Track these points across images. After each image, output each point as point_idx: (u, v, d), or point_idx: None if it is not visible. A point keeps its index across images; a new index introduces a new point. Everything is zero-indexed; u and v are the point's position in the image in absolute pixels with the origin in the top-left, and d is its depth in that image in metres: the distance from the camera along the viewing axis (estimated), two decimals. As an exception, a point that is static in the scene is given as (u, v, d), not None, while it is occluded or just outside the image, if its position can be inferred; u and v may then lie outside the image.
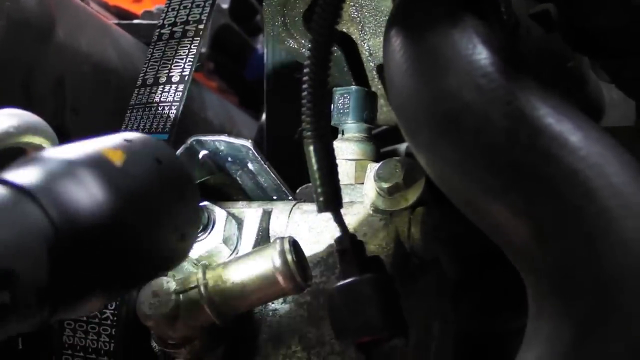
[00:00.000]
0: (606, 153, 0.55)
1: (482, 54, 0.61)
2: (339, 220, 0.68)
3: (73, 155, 0.51)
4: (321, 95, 0.66)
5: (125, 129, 0.90)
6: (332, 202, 0.67)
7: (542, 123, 0.56)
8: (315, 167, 0.67)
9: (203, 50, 1.40)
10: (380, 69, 1.01)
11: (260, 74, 1.58)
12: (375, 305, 0.64)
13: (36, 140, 0.72)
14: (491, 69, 0.60)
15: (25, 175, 0.48)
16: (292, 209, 0.82)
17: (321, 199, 0.67)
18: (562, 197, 0.53)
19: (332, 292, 0.66)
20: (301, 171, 1.02)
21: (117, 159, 0.52)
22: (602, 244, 0.51)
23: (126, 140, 0.55)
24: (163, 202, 0.55)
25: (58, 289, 0.47)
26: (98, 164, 0.51)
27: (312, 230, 0.80)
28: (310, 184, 0.90)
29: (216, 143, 0.81)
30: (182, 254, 0.60)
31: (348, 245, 0.67)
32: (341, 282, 0.66)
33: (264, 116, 1.16)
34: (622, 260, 0.50)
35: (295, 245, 0.71)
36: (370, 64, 1.01)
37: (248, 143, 0.80)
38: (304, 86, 0.66)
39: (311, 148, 0.66)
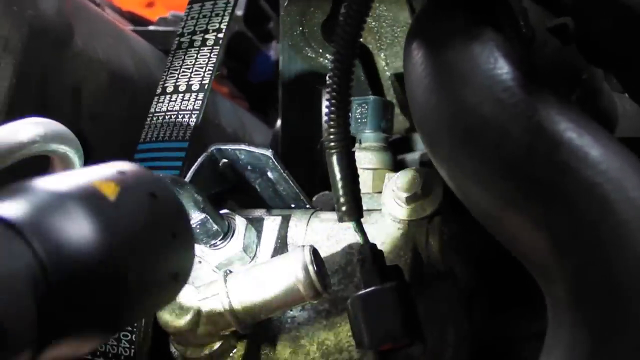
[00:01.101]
0: (624, 167, 0.56)
1: (503, 69, 0.62)
2: (360, 229, 0.69)
3: (64, 187, 0.47)
4: (344, 106, 0.67)
5: (145, 137, 0.91)
6: (354, 211, 0.68)
7: (562, 137, 0.57)
8: (338, 176, 0.68)
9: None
10: (397, 77, 1.02)
11: (265, 77, 1.60)
12: (396, 314, 0.65)
13: (61, 148, 0.74)
14: (512, 84, 0.61)
15: (11, 207, 0.44)
16: (310, 217, 0.84)
17: (343, 208, 0.68)
18: (580, 211, 0.54)
19: (353, 300, 0.67)
20: (313, 179, 1.04)
21: (111, 193, 0.48)
22: (618, 256, 0.52)
23: (120, 172, 0.51)
24: (157, 240, 0.51)
25: (45, 332, 0.43)
26: (90, 197, 0.47)
27: (331, 238, 0.81)
28: (327, 192, 0.92)
29: (236, 152, 0.82)
30: (173, 294, 0.56)
31: (369, 254, 0.69)
32: (362, 291, 0.67)
33: (278, 123, 1.16)
34: (637, 272, 0.51)
35: (315, 254, 0.72)
36: (387, 73, 1.02)
37: (268, 152, 0.81)
38: (327, 97, 0.67)
39: (334, 158, 0.68)
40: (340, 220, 0.69)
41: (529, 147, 0.57)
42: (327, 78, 0.67)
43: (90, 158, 0.99)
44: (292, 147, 1.10)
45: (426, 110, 0.65)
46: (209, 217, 0.75)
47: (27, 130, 0.70)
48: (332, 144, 0.68)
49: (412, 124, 1.01)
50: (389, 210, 0.79)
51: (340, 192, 0.68)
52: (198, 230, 0.76)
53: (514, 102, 0.59)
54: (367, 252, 0.69)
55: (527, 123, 0.58)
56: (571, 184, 0.55)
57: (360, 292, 0.67)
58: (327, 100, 0.67)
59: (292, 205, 0.87)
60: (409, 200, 0.78)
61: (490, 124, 0.59)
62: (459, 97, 0.62)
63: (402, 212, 0.79)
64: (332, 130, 0.67)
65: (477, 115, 0.60)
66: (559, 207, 0.55)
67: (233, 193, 0.88)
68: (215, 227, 0.77)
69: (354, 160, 0.69)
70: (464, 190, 0.63)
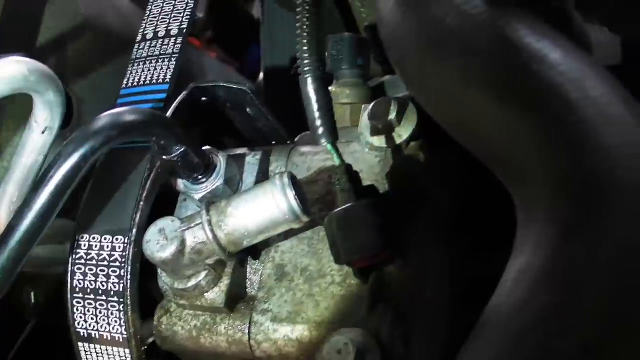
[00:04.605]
0: (584, 68, 0.58)
1: None
2: (336, 150, 0.71)
3: None
4: (315, 32, 0.69)
5: (127, 83, 0.93)
6: (329, 133, 0.70)
7: (522, 43, 0.59)
8: (312, 99, 0.70)
9: (200, 15, 1.42)
10: (372, 28, 1.04)
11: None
12: (372, 227, 0.67)
13: (43, 88, 0.75)
14: None
15: None
16: (290, 151, 0.85)
17: (319, 131, 0.70)
18: (543, 111, 0.56)
19: (330, 218, 0.69)
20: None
21: None
22: (583, 150, 0.54)
23: None
24: None
25: None
26: None
27: (311, 170, 0.83)
28: (308, 132, 0.94)
29: (215, 89, 0.83)
30: None
31: (344, 173, 0.71)
32: (338, 209, 0.69)
33: (260, 76, 1.18)
34: (602, 164, 0.53)
35: (294, 180, 0.74)
36: (364, 23, 1.04)
37: (246, 87, 0.83)
38: (298, 25, 0.69)
39: (308, 82, 0.70)
40: (317, 142, 0.71)
41: (491, 53, 0.59)
42: (297, 6, 0.69)
43: (78, 113, 1.01)
44: (275, 94, 1.11)
45: (394, 26, 0.66)
46: (189, 150, 0.77)
47: (9, 67, 0.72)
48: (306, 68, 0.69)
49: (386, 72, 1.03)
50: (366, 139, 0.81)
51: (316, 115, 0.70)
52: (180, 164, 0.78)
53: (477, 13, 0.61)
54: (342, 171, 0.71)
55: (489, 31, 0.60)
56: (533, 86, 0.57)
57: (336, 210, 0.69)
58: (298, 28, 0.69)
59: (273, 142, 0.89)
60: (384, 128, 0.80)
61: (454, 34, 0.61)
62: (425, 12, 0.64)
63: (378, 140, 0.80)
64: (305, 55, 0.69)
65: (442, 27, 0.62)
66: (525, 109, 0.57)
67: (214, 134, 0.90)
68: (197, 159, 0.78)
69: (327, 85, 0.71)
70: (434, 103, 0.65)
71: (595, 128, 0.54)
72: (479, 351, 0.54)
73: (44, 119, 0.78)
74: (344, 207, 0.69)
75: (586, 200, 0.53)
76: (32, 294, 1.10)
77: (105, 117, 0.74)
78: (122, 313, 0.82)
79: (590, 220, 0.52)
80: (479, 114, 0.61)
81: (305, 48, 0.69)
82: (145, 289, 0.85)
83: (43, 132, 0.79)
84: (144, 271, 0.83)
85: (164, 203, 0.87)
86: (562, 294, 0.50)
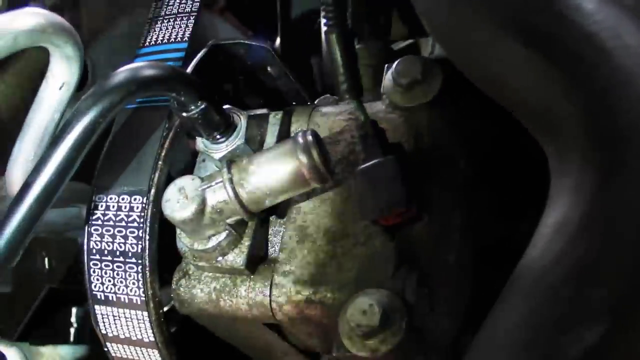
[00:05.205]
0: (620, 17, 0.56)
1: None
2: (360, 107, 0.69)
3: None
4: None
5: (144, 42, 0.91)
6: (353, 89, 0.69)
7: None
8: (337, 55, 0.68)
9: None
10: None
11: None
12: (399, 183, 0.66)
13: (61, 41, 0.74)
14: None
15: None
16: (312, 111, 0.84)
17: (343, 87, 0.69)
18: (579, 58, 0.55)
19: (357, 174, 0.68)
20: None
21: None
22: (619, 97, 0.52)
23: None
24: None
25: None
26: None
27: (333, 129, 0.81)
28: (328, 95, 0.92)
29: (235, 46, 0.82)
30: None
31: (370, 129, 0.69)
32: (364, 165, 0.68)
33: (277, 41, 1.16)
34: (637, 111, 0.52)
35: (317, 138, 0.72)
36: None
37: (267, 45, 0.81)
38: None
39: (333, 37, 0.68)
40: (341, 99, 0.69)
41: (524, 1, 0.58)
42: None
43: (93, 75, 1.00)
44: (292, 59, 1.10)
45: None
46: (210, 107, 0.75)
47: (26, 19, 0.70)
48: (330, 23, 0.68)
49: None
50: (390, 98, 0.79)
51: (340, 71, 0.69)
52: (200, 121, 0.76)
53: None
54: (368, 127, 0.69)
55: None
56: (568, 34, 0.56)
57: (362, 166, 0.68)
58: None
59: (294, 103, 0.87)
60: (408, 87, 0.78)
61: None
62: None
63: (402, 98, 0.79)
64: (328, 9, 0.68)
65: None
66: (559, 56, 0.56)
67: (233, 95, 0.88)
68: (217, 117, 0.77)
69: (352, 40, 0.69)
70: (463, 54, 0.64)
71: (632, 77, 0.53)
72: (513, 305, 0.53)
73: (61, 73, 0.76)
74: (371, 162, 0.67)
75: (622, 147, 0.51)
76: (46, 259, 1.08)
77: (123, 72, 0.72)
78: (140, 275, 0.81)
79: (627, 168, 0.50)
80: (511, 64, 0.59)
81: (329, 1, 0.67)
82: (166, 250, 0.83)
83: (60, 88, 0.77)
84: (164, 230, 0.81)
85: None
86: (600, 244, 0.50)
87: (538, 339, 0.48)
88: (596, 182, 0.52)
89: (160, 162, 0.82)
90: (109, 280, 0.82)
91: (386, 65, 0.83)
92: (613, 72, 0.53)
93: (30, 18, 0.70)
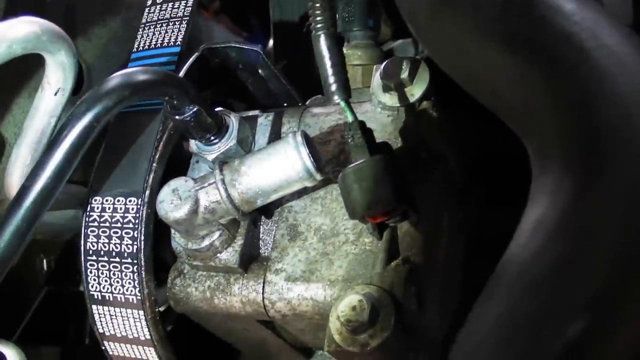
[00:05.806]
0: (598, 18, 0.57)
1: None
2: (349, 107, 0.71)
3: None
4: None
5: (138, 46, 0.92)
6: (342, 90, 0.70)
7: None
8: (325, 57, 0.69)
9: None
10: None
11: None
12: (386, 182, 0.67)
13: (56, 49, 0.75)
14: None
15: None
16: (302, 112, 0.85)
17: (332, 88, 0.70)
18: (558, 60, 0.56)
19: (344, 174, 0.69)
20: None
21: None
22: (597, 97, 0.54)
23: None
24: None
25: None
26: None
27: (323, 130, 0.83)
28: (319, 96, 0.94)
29: (227, 50, 0.83)
30: None
31: (357, 129, 0.70)
32: (352, 165, 0.69)
33: (270, 42, 1.18)
34: (616, 110, 0.53)
35: (307, 138, 0.74)
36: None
37: (258, 48, 0.82)
38: None
39: (321, 39, 0.69)
40: (330, 100, 0.71)
41: (504, 4, 0.59)
42: None
43: (88, 79, 1.01)
44: (284, 58, 1.11)
45: None
46: (202, 110, 0.77)
47: (22, 27, 0.72)
48: (318, 25, 0.69)
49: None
50: (378, 98, 0.81)
51: (328, 72, 0.70)
52: (192, 124, 0.78)
53: None
54: (355, 127, 0.70)
55: None
56: (548, 36, 0.57)
57: (350, 166, 0.69)
58: (311, -17, 0.69)
59: (285, 105, 0.89)
60: (396, 87, 0.80)
61: None
62: None
63: (390, 99, 0.80)
64: (317, 12, 0.69)
65: None
66: (540, 59, 0.57)
67: (225, 97, 0.90)
68: (210, 119, 0.78)
69: (340, 43, 0.71)
70: (447, 56, 0.65)
71: (610, 76, 0.54)
72: (495, 300, 0.54)
73: (57, 79, 0.78)
74: (359, 161, 0.68)
75: (601, 149, 0.52)
76: (45, 261, 1.10)
77: (117, 77, 0.74)
78: (135, 274, 0.82)
79: (605, 170, 0.52)
80: (493, 66, 0.61)
81: (318, 5, 0.68)
82: (160, 250, 0.85)
83: (55, 94, 0.79)
84: (159, 231, 0.83)
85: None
86: (577, 243, 0.51)
87: (519, 334, 0.50)
88: (575, 180, 0.53)
89: (154, 164, 0.84)
90: (106, 280, 0.84)
91: (374, 66, 0.85)
92: (592, 72, 0.55)
93: (25, 26, 0.72)
